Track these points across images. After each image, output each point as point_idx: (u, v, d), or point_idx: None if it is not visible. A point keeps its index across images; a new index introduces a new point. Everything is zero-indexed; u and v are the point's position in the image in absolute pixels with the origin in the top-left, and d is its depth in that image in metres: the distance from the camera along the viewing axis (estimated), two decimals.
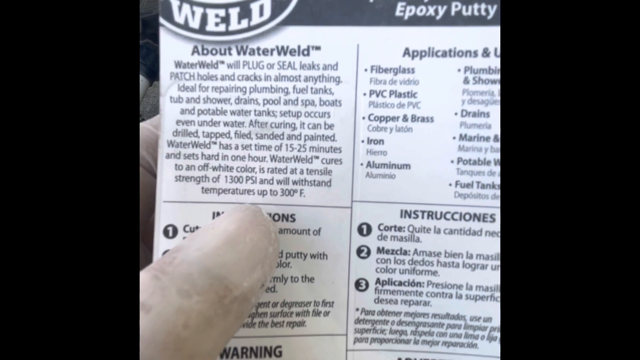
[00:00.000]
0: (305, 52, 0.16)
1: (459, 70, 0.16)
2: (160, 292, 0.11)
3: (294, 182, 0.17)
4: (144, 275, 0.12)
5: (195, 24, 0.16)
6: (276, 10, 0.16)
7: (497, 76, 0.16)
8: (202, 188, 0.17)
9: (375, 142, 0.16)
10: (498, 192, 0.16)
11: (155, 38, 0.16)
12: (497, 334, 0.17)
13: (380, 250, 0.17)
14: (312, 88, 0.16)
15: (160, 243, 0.16)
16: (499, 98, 0.16)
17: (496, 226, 0.16)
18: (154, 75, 0.88)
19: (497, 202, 0.16)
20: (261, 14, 0.16)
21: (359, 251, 0.17)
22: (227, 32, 0.16)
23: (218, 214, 0.17)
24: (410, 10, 0.16)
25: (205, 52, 0.16)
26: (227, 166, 0.16)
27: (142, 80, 0.86)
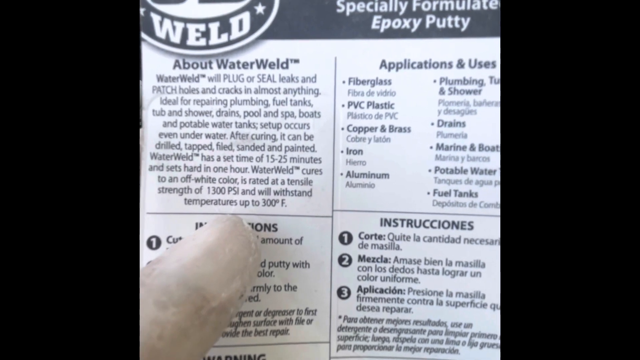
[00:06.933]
0: (284, 65, 0.16)
1: (435, 81, 0.16)
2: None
3: (276, 193, 0.17)
4: None
5: (176, 38, 0.16)
6: (255, 25, 0.16)
7: (472, 87, 0.16)
8: (185, 199, 0.17)
9: (355, 152, 0.17)
10: (475, 199, 0.16)
11: None
12: (478, 340, 0.17)
13: (361, 258, 0.17)
14: (291, 100, 0.16)
15: (144, 254, 0.17)
16: (474, 108, 0.16)
17: (474, 233, 0.17)
18: None
19: (475, 210, 0.16)
20: (240, 28, 0.16)
21: (341, 259, 0.17)
22: (207, 47, 0.16)
23: (201, 224, 0.17)
24: (386, 23, 0.16)
25: (186, 66, 0.16)
26: (210, 177, 0.17)
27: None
